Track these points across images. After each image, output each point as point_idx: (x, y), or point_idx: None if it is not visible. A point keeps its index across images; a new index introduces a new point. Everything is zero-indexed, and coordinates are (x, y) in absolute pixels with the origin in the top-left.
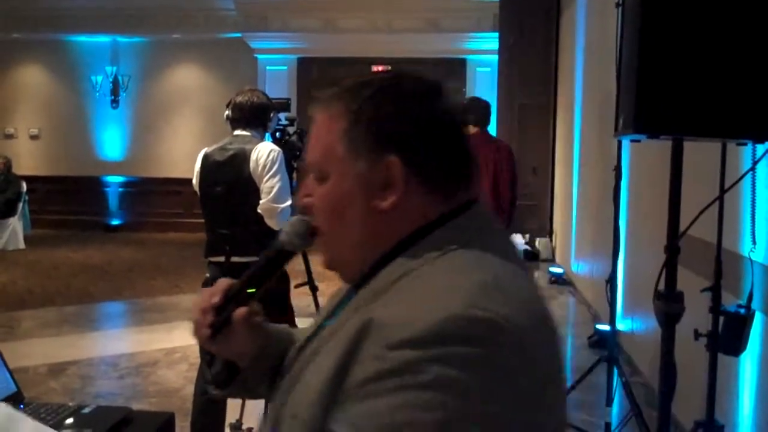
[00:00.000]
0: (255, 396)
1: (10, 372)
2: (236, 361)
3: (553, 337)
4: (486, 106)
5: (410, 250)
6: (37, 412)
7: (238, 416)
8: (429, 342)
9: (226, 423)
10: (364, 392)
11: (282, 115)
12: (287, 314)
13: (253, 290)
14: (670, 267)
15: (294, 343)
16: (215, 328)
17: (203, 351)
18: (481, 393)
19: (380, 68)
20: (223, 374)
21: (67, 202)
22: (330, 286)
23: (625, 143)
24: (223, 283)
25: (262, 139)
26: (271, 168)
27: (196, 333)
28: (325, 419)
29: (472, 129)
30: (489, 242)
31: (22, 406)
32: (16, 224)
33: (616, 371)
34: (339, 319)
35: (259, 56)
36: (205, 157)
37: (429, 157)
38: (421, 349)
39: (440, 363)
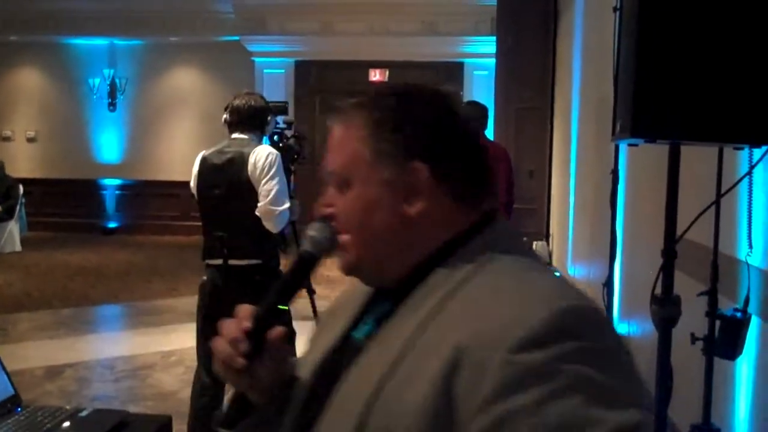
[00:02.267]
0: None
1: (8, 375)
2: (254, 395)
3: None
4: (483, 109)
5: (451, 259)
6: (34, 415)
7: None
8: (551, 339)
9: None
10: (504, 405)
11: (279, 119)
12: (285, 319)
13: (286, 307)
14: (666, 271)
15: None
16: (250, 356)
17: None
18: (614, 379)
19: (377, 72)
20: (234, 413)
21: (63, 205)
22: (327, 289)
23: (623, 147)
24: (246, 308)
25: (260, 142)
26: (269, 171)
27: (227, 369)
28: None
29: None
30: (520, 247)
31: (19, 409)
32: (12, 227)
33: None
34: (388, 332)
35: (257, 59)
36: (203, 161)
37: (454, 165)
38: (545, 347)
39: (571, 361)
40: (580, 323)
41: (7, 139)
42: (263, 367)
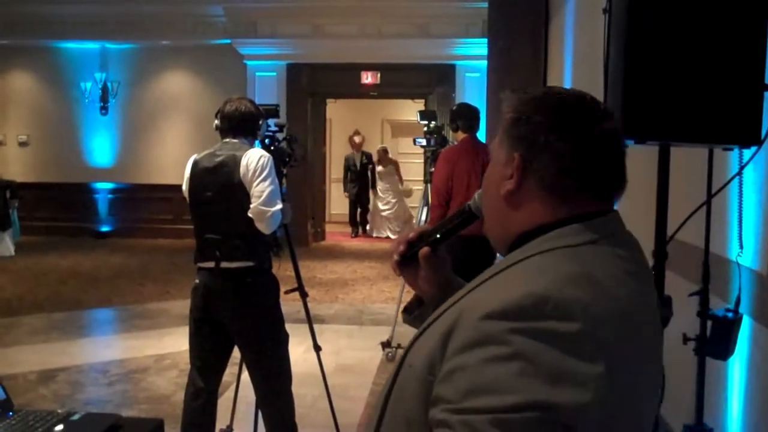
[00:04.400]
0: None
1: None
2: (422, 296)
3: (633, 337)
4: (475, 111)
5: (527, 244)
6: (26, 419)
7: (228, 422)
8: (513, 314)
9: (217, 428)
10: (459, 359)
11: (271, 122)
12: (276, 319)
13: (438, 236)
14: (657, 272)
15: None
16: (403, 257)
17: None
18: (551, 362)
19: (369, 74)
20: (412, 304)
21: (56, 209)
22: (320, 292)
23: None
24: (423, 226)
25: (252, 146)
26: (261, 173)
27: (391, 258)
28: (430, 375)
29: (461, 135)
30: (600, 251)
31: (11, 413)
32: (5, 231)
33: None
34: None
35: (249, 62)
36: (195, 164)
37: (549, 164)
38: (505, 320)
39: (520, 334)
40: (547, 308)
41: None
42: (414, 273)
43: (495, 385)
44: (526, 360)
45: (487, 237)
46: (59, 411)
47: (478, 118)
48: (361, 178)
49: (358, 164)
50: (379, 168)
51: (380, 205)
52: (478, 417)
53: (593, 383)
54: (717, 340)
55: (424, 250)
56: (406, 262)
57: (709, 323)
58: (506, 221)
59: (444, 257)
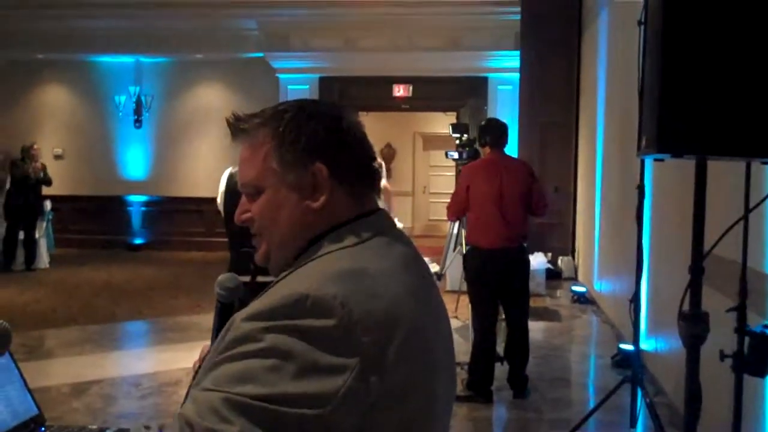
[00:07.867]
0: None
1: (32, 394)
2: None
3: (402, 333)
4: (501, 126)
5: (316, 245)
6: None
7: None
8: (268, 315)
9: None
10: (222, 356)
11: None
12: None
13: None
14: (694, 287)
15: None
16: None
17: None
18: (301, 357)
19: (401, 87)
20: None
21: (90, 222)
22: None
23: (648, 162)
24: (205, 348)
25: None
26: None
27: None
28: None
29: (487, 150)
30: (380, 245)
31: (42, 429)
32: (40, 243)
33: (640, 392)
34: None
35: (281, 75)
36: (230, 177)
37: (346, 162)
38: (260, 320)
39: (274, 332)
40: (306, 305)
41: None
42: None
43: (245, 376)
44: (279, 355)
45: (273, 263)
46: (92, 426)
47: (505, 133)
48: None
49: None
50: None
51: None
52: (214, 394)
53: (343, 376)
54: (755, 357)
55: None
56: None
57: (746, 340)
58: (307, 231)
59: None
